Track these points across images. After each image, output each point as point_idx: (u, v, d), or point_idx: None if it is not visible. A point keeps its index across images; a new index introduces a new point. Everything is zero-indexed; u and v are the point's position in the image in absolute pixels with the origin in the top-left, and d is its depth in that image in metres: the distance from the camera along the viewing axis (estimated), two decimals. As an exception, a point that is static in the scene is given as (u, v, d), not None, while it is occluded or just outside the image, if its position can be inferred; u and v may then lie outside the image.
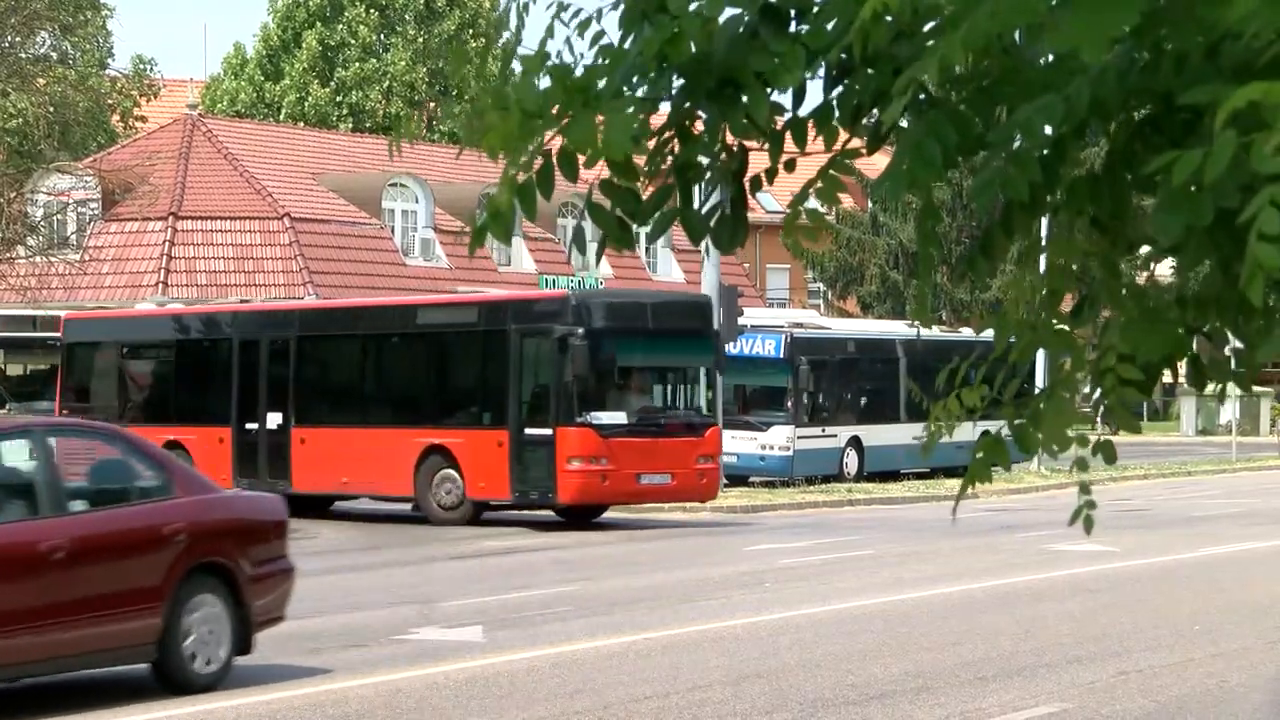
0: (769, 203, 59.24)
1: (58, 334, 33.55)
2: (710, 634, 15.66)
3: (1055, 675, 13.14)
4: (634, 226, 4.25)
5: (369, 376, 30.07)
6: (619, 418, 26.65)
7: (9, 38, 27.59)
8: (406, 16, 64.45)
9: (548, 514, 28.09)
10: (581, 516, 27.58)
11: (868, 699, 12.17)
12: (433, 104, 63.84)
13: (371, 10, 63.93)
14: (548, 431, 26.37)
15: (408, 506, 28.73)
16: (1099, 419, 4.31)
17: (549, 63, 4.08)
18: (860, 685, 12.73)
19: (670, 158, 4.16)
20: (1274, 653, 14.25)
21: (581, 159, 4.09)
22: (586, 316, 26.38)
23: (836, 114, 4.01)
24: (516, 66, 4.20)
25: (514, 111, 4.02)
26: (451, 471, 27.39)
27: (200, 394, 31.28)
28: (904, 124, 4.11)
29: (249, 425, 29.82)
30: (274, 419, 29.58)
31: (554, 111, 4.03)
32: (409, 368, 29.31)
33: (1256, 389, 55.56)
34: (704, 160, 4.15)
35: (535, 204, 4.14)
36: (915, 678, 13.03)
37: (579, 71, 4.03)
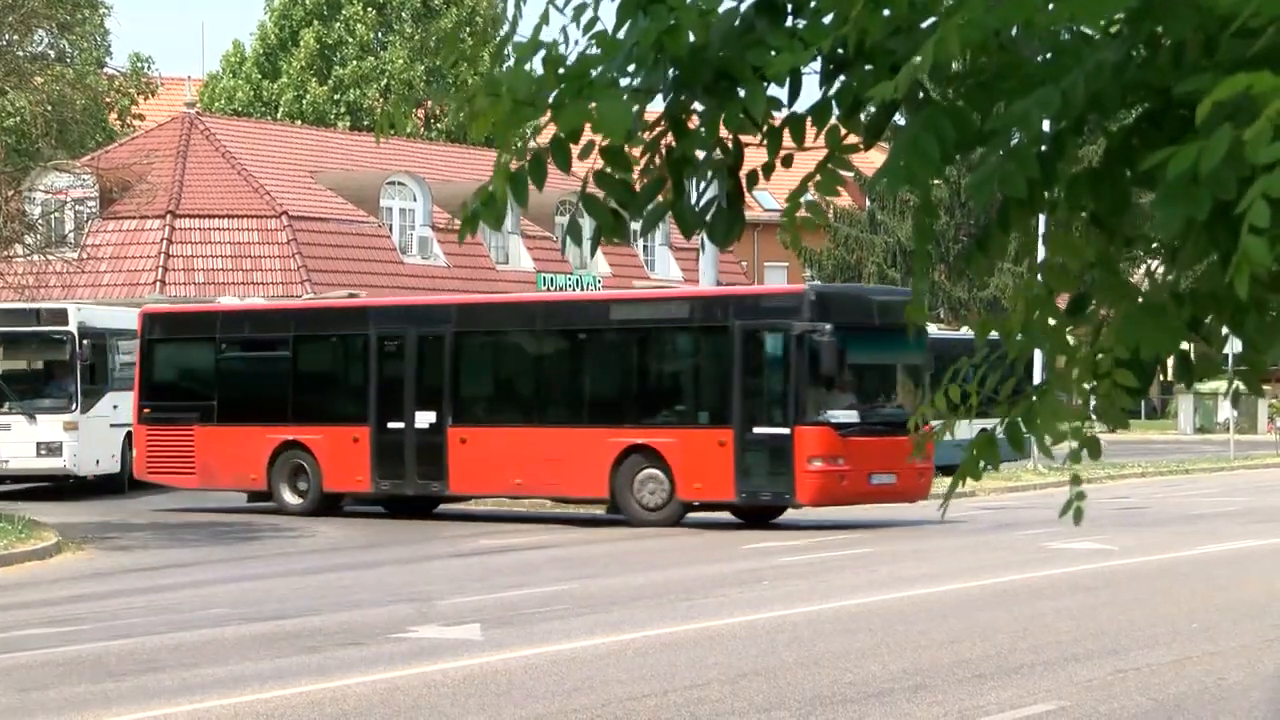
0: (767, 201, 59.24)
1: (65, 327, 32.96)
2: (708, 632, 15.65)
3: (1053, 673, 13.14)
4: (627, 218, 4.24)
5: (551, 374, 28.78)
6: (853, 416, 26.08)
7: (6, 36, 27.56)
8: (404, 14, 64.44)
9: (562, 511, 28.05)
10: (761, 518, 27.03)
11: (865, 697, 12.17)
12: (430, 102, 63.81)
13: (369, 8, 63.91)
14: (783, 431, 25.55)
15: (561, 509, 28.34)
16: (1092, 414, 4.30)
17: (542, 51, 4.07)
18: (858, 683, 12.73)
19: (664, 150, 4.16)
20: (1272, 650, 14.24)
21: (575, 149, 4.08)
22: (826, 312, 25.72)
23: (836, 110, 3.99)
24: (511, 56, 4.19)
25: (505, 98, 4.01)
26: (656, 472, 26.52)
27: (327, 392, 30.15)
28: (900, 120, 4.11)
29: (392, 424, 28.55)
30: (425, 418, 28.33)
31: (546, 100, 4.01)
32: (603, 365, 28.06)
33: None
34: (699, 154, 4.14)
35: (527, 192, 4.13)
36: (913, 676, 13.03)
37: (573, 60, 4.02)
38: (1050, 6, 3.58)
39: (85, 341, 33.10)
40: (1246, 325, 4.03)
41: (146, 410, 30.93)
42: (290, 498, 29.47)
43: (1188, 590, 18.60)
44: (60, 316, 33.38)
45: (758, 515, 27.14)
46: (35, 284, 32.29)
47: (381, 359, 29.07)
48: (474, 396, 28.81)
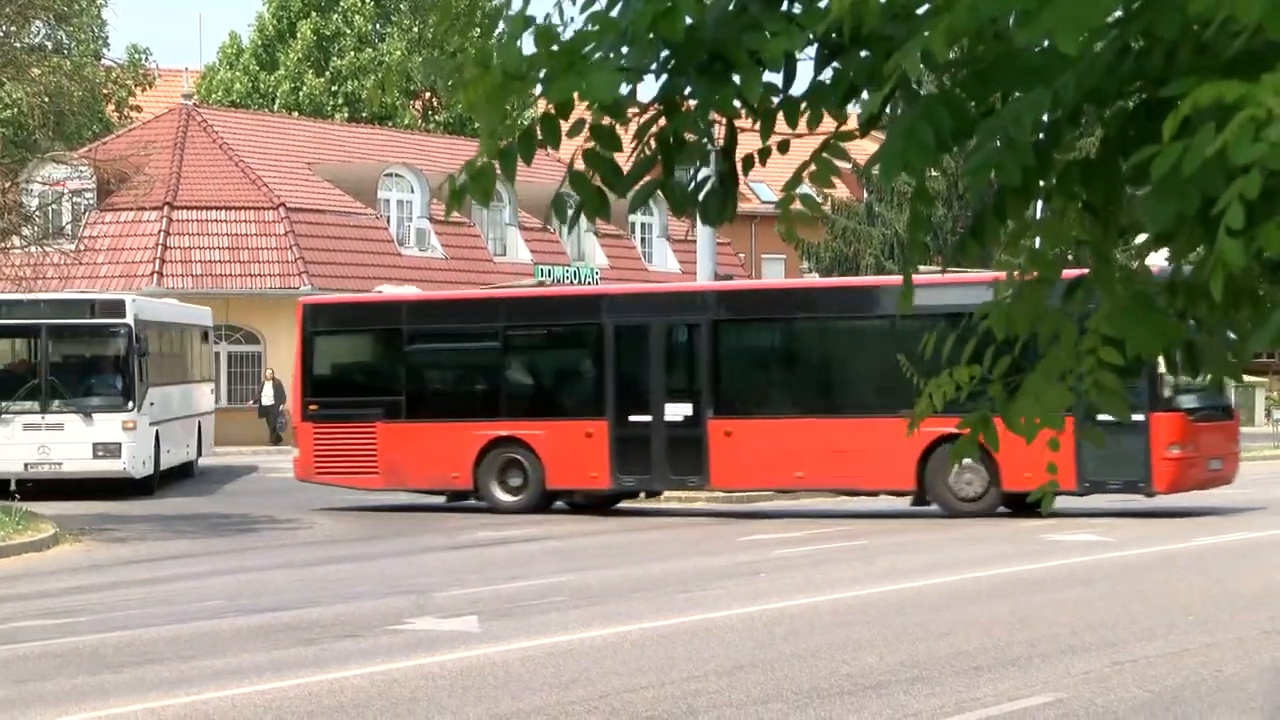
0: (764, 193, 59.20)
1: (121, 320, 31.09)
2: (705, 624, 15.66)
3: (1050, 665, 13.15)
4: (611, 198, 4.23)
5: (838, 363, 27.33)
6: (1194, 401, 25.50)
7: (3, 27, 27.52)
8: (402, 6, 64.40)
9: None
10: (1025, 507, 25.38)
11: (863, 689, 12.17)
12: (428, 94, 63.77)
13: (366, 0, 63.89)
14: (1136, 417, 24.18)
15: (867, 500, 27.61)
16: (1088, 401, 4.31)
17: (535, 25, 4.05)
18: (855, 675, 12.73)
19: (656, 131, 4.15)
20: (1269, 642, 14.25)
21: (565, 125, 4.06)
22: None
23: (833, 97, 3.99)
24: (504, 30, 4.17)
25: (495, 70, 3.99)
26: (973, 463, 25.41)
27: (550, 386, 28.92)
28: (894, 110, 4.11)
29: (635, 418, 27.04)
30: (678, 411, 26.90)
31: (537, 74, 3.99)
32: (905, 352, 26.55)
33: (1251, 379, 55.56)
34: (691, 136, 4.13)
35: (515, 167, 4.10)
36: (910, 668, 13.03)
37: (567, 35, 4.00)
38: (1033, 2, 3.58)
39: (142, 335, 31.34)
40: (1240, 317, 4.04)
41: (313, 407, 28.80)
42: (502, 495, 27.86)
43: (1185, 582, 18.61)
44: (116, 308, 31.69)
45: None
46: (32, 275, 32.24)
47: (619, 349, 27.47)
48: (741, 387, 27.36)
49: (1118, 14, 3.66)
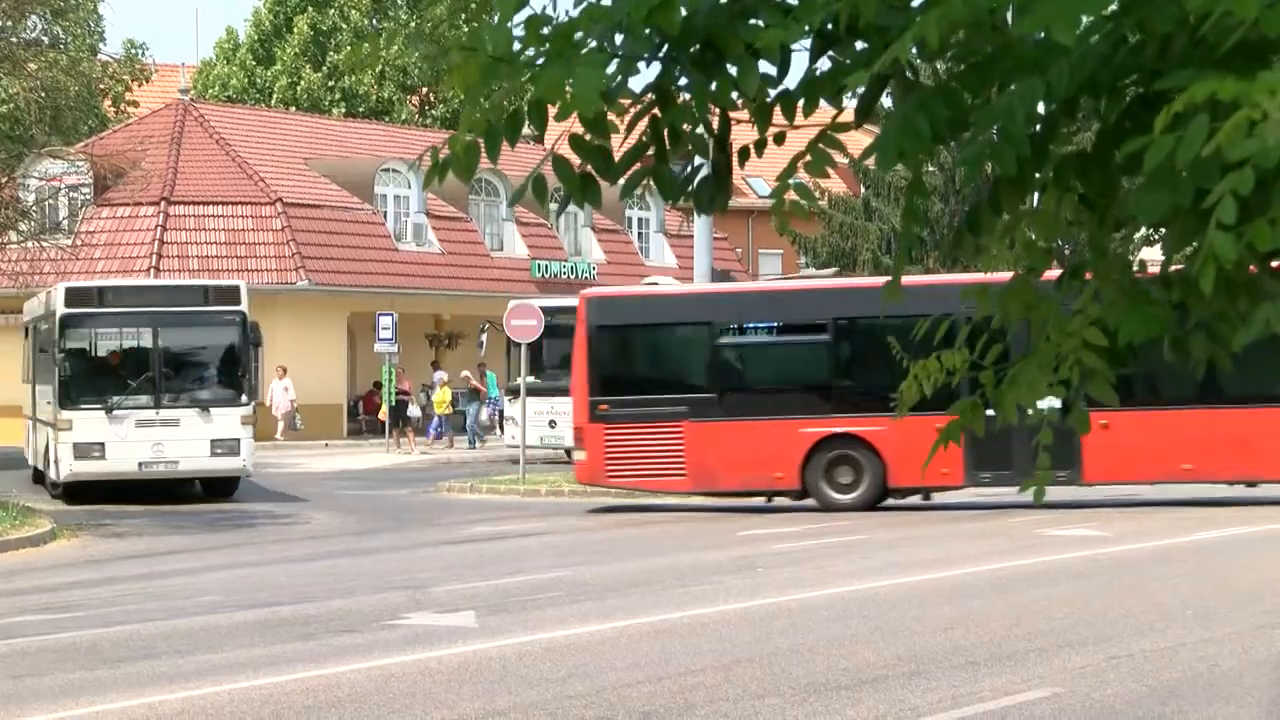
0: (760, 187, 59.18)
1: (236, 307, 28.98)
2: (703, 619, 15.67)
3: (1047, 660, 13.16)
4: (599, 184, 4.20)
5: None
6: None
7: (0, 22, 27.53)
8: (398, 0, 64.37)
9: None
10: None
11: (860, 683, 12.18)
12: (426, 89, 63.74)
13: (364, -5, 63.84)
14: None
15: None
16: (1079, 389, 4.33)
17: (526, 10, 4.03)
18: (852, 670, 12.74)
19: (650, 120, 4.14)
20: (1265, 636, 14.27)
21: (553, 110, 4.04)
22: None
23: (829, 88, 4.00)
24: (495, 13, 4.16)
25: (481, 53, 3.97)
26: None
27: (888, 380, 28.04)
28: (887, 101, 4.12)
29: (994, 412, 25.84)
30: (1044, 403, 25.42)
31: (526, 57, 3.97)
32: None
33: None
34: (686, 127, 4.13)
35: (500, 147, 4.08)
36: (907, 662, 13.05)
37: (560, 19, 3.98)
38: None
39: (254, 323, 29.39)
40: (1234, 309, 4.06)
41: (603, 407, 26.99)
42: (834, 494, 26.80)
43: (1181, 577, 18.62)
44: (232, 295, 29.43)
45: None
46: (30, 270, 32.27)
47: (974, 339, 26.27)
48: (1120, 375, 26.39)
49: (1113, 7, 3.68)
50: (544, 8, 4.07)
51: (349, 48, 61.99)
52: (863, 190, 54.67)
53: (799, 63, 4.09)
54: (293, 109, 60.35)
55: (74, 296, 28.90)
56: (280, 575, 20.01)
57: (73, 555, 22.59)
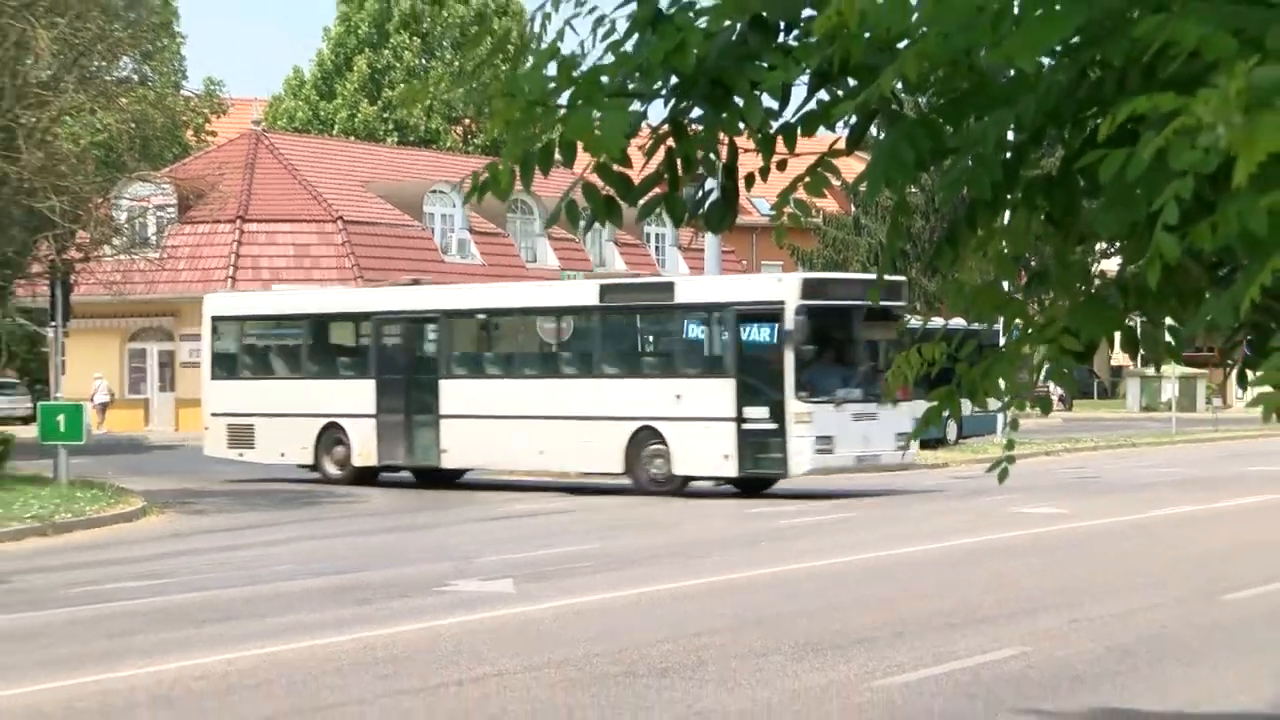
0: (763, 206, 59.15)
1: (901, 301, 26.16)
2: (714, 586, 15.67)
3: (1016, 623, 13.14)
4: (622, 207, 4.25)
5: None
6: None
7: (96, 62, 27.59)
8: (444, 42, 64.52)
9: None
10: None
11: (851, 643, 12.18)
12: (469, 121, 63.81)
13: (414, 37, 63.99)
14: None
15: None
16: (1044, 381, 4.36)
17: (558, 57, 4.08)
18: (845, 631, 12.73)
19: (665, 150, 4.17)
20: (1209, 602, 14.24)
21: (580, 146, 4.08)
22: None
23: (824, 121, 4.02)
24: (529, 61, 4.19)
25: (519, 98, 4.02)
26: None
27: None
28: (875, 132, 4.14)
29: None
30: None
31: (557, 101, 4.02)
32: None
33: (1192, 370, 55.37)
34: (699, 154, 4.17)
35: (533, 175, 4.13)
36: (893, 625, 13.03)
37: (586, 66, 4.03)
38: (994, 33, 3.62)
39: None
40: (1185, 312, 4.08)
41: None
42: None
43: (1135, 550, 18.59)
44: (899, 290, 26.08)
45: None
46: (122, 280, 32.34)
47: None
48: None
49: (1074, 40, 3.68)
50: (573, 52, 4.10)
51: (401, 86, 62.09)
52: (853, 208, 54.66)
53: (798, 97, 4.12)
54: (352, 138, 60.43)
55: (810, 288, 25.34)
56: (343, 547, 20.04)
57: (161, 529, 22.64)
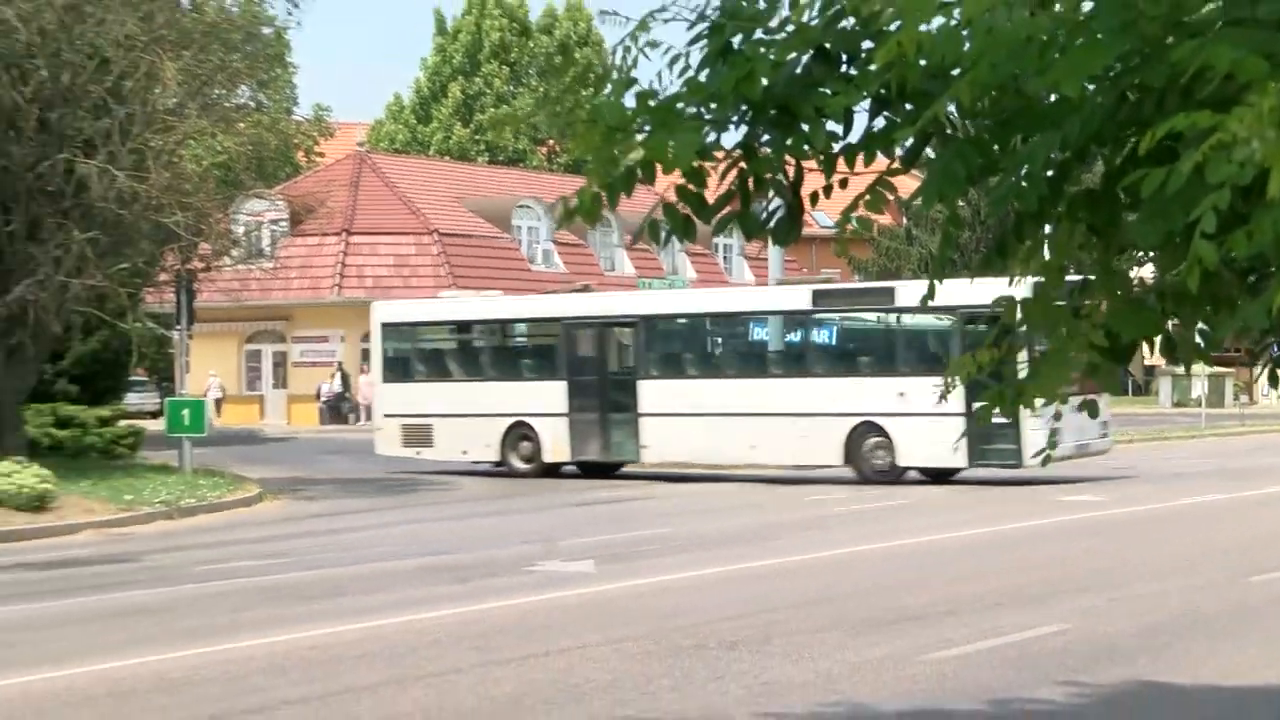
0: (821, 219, 58.94)
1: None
2: (778, 567, 15.64)
3: (1059, 602, 13.04)
4: (697, 224, 4.28)
5: None
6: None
7: (217, 91, 27.91)
8: (531, 70, 64.75)
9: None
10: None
11: (906, 620, 12.12)
12: (552, 142, 64.00)
13: (503, 66, 64.27)
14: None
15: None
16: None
17: (636, 87, 4.11)
18: (900, 609, 12.68)
19: (738, 172, 4.19)
20: (1237, 585, 14.07)
21: (659, 167, 4.11)
22: None
23: (883, 143, 4.02)
24: (610, 90, 4.23)
25: (601, 125, 4.05)
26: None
27: None
28: (931, 153, 4.13)
29: None
30: None
31: (634, 127, 4.05)
32: None
33: (1220, 369, 54.73)
34: (768, 175, 4.18)
35: (618, 197, 4.16)
36: (945, 603, 12.97)
37: (662, 96, 4.07)
38: (1041, 61, 3.61)
39: None
40: (1218, 317, 4.04)
41: None
42: None
43: (1169, 535, 18.40)
44: None
45: None
46: (239, 288, 32.66)
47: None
48: None
49: (1116, 67, 3.66)
50: (650, 83, 4.13)
51: (491, 110, 62.37)
52: (904, 220, 54.38)
53: (858, 120, 4.12)
54: (446, 158, 60.73)
55: None
56: (441, 530, 20.14)
57: (275, 514, 22.83)
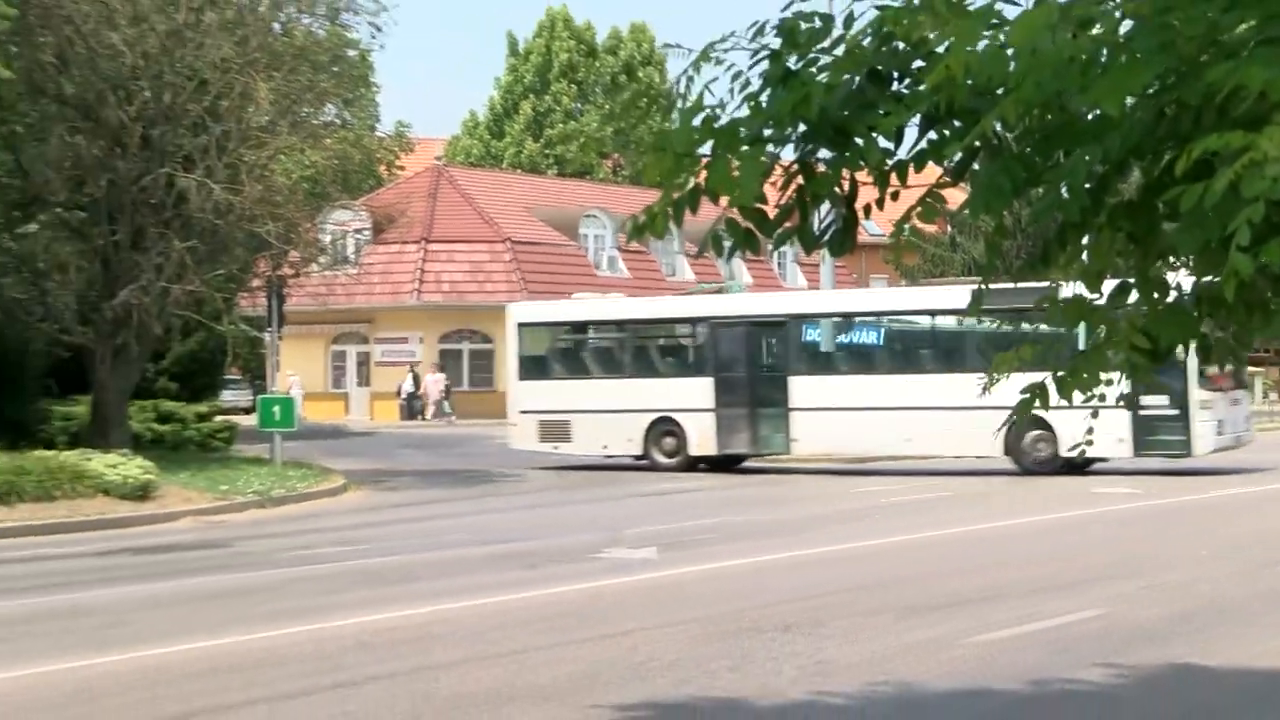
0: (871, 228, 58.71)
1: None
2: (829, 555, 15.59)
3: (1095, 588, 12.93)
4: (760, 237, 4.29)
5: None
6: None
7: (306, 109, 28.15)
8: (597, 89, 64.87)
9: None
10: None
11: (951, 605, 12.06)
12: (617, 155, 64.10)
13: (571, 85, 64.42)
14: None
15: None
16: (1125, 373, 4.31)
17: (703, 113, 4.13)
18: (945, 594, 12.61)
19: (796, 188, 4.20)
20: (1266, 573, 13.90)
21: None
22: None
23: (933, 157, 4.01)
24: (677, 117, 4.25)
25: (669, 153, 4.07)
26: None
27: None
28: (977, 166, 4.12)
29: None
30: None
31: (701, 151, 4.08)
32: None
33: (1251, 369, 54.02)
34: (824, 191, 4.19)
35: (684, 215, 4.19)
36: (987, 589, 12.89)
37: (725, 119, 4.08)
38: (1083, 79, 3.59)
39: None
40: (1253, 321, 4.01)
41: None
42: None
43: (1200, 526, 18.20)
44: None
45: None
46: (326, 293, 32.90)
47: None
48: None
49: (1155, 85, 3.64)
50: (713, 106, 4.14)
51: (560, 126, 62.55)
52: (949, 228, 54.06)
53: (909, 137, 4.11)
54: (518, 171, 60.94)
55: None
56: (513, 519, 20.21)
57: (359, 503, 22.98)
